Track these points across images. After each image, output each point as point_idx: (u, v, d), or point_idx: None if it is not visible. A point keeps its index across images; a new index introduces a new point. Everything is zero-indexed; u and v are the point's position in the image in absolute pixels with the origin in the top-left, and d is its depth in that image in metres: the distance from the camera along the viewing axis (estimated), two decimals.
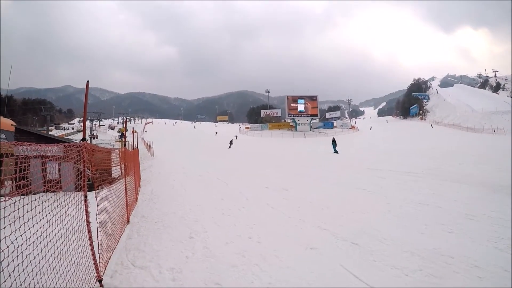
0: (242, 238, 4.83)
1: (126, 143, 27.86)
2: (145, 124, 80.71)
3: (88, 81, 3.23)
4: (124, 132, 35.06)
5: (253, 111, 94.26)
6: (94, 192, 3.51)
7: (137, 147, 20.11)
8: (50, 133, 35.74)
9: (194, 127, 79.25)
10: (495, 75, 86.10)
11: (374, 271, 3.56)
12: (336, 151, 23.60)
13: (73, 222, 2.70)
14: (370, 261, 3.87)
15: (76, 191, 3.04)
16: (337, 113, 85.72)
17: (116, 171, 7.73)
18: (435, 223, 5.24)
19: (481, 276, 3.29)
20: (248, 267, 3.75)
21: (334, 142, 25.24)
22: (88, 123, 41.04)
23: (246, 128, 72.08)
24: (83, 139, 3.12)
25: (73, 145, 2.89)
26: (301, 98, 70.42)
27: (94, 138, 46.65)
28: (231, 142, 34.59)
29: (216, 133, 59.02)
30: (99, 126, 57.06)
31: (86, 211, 2.92)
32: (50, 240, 2.32)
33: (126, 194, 5.66)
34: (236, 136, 51.06)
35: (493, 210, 5.80)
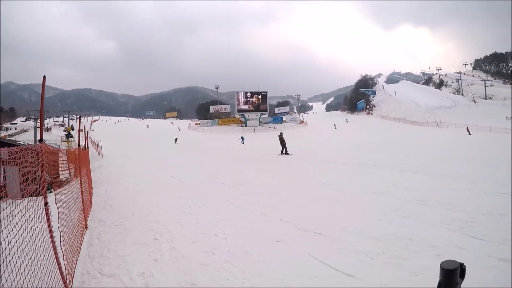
0: (208, 236, 4.78)
1: (73, 142, 26.25)
2: (92, 122, 76.14)
3: (44, 76, 2.97)
4: (71, 130, 32.90)
5: (202, 107, 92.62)
6: (42, 197, 3.23)
7: (87, 147, 18.99)
8: None
9: (148, 125, 74.65)
10: (438, 72, 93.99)
11: (342, 257, 3.75)
12: None
13: (29, 232, 2.49)
14: (336, 248, 4.06)
15: (23, 197, 2.78)
16: (286, 108, 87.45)
17: (63, 173, 7.27)
18: (391, 209, 5.63)
19: (439, 254, 3.59)
20: (219, 264, 3.73)
21: None
22: (31, 122, 37.49)
23: (196, 124, 71.20)
24: (41, 140, 2.86)
25: (30, 148, 2.67)
26: (251, 93, 71.07)
27: (47, 131, 43.12)
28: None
29: (176, 140, 39.51)
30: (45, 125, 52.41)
31: (48, 219, 2.71)
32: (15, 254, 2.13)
33: (82, 198, 5.34)
34: (242, 138, 37.19)
35: (442, 196, 6.39)
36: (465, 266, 0.92)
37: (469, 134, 35.57)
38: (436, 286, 0.91)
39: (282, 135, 19.47)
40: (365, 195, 7.07)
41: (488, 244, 3.86)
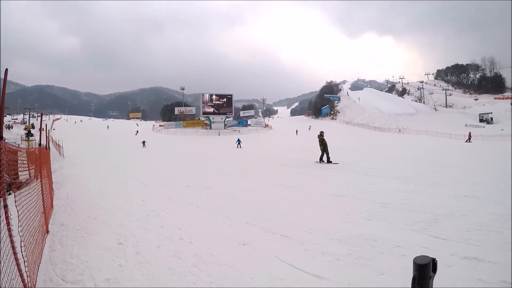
0: (173, 240, 4.72)
1: (34, 141, 24.92)
2: (53, 120, 72.85)
3: (6, 69, 2.82)
4: (31, 129, 31.29)
5: (167, 108, 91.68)
6: (1, 199, 3.06)
7: (48, 147, 18.13)
8: None
9: (108, 126, 71.57)
10: (401, 81, 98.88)
11: (309, 259, 3.84)
12: None
13: None
14: (302, 250, 4.14)
15: None
16: (251, 112, 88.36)
17: (23, 174, 6.92)
18: (355, 212, 5.82)
19: (404, 254, 3.78)
20: (186, 268, 3.70)
21: None
22: None
23: (160, 126, 70.31)
24: (0, 137, 2.68)
25: None
26: (216, 96, 71.11)
27: (9, 129, 40.36)
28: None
29: (144, 143, 35.17)
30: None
31: (8, 223, 2.58)
32: None
33: (43, 200, 5.12)
34: (238, 141, 34.43)
35: (405, 198, 6.68)
36: (437, 261, 1.01)
37: (469, 141, 34.45)
38: (411, 281, 0.99)
39: (322, 136, 14.39)
40: (329, 198, 7.22)
41: (450, 243, 4.09)
